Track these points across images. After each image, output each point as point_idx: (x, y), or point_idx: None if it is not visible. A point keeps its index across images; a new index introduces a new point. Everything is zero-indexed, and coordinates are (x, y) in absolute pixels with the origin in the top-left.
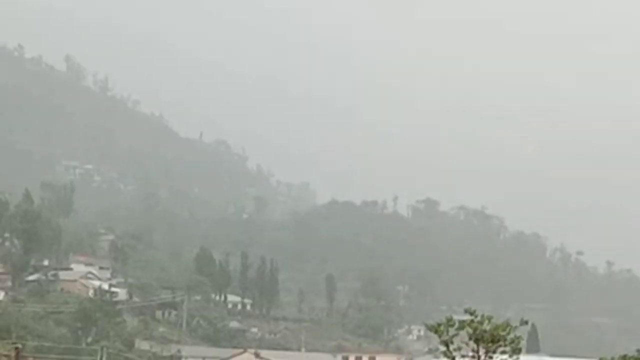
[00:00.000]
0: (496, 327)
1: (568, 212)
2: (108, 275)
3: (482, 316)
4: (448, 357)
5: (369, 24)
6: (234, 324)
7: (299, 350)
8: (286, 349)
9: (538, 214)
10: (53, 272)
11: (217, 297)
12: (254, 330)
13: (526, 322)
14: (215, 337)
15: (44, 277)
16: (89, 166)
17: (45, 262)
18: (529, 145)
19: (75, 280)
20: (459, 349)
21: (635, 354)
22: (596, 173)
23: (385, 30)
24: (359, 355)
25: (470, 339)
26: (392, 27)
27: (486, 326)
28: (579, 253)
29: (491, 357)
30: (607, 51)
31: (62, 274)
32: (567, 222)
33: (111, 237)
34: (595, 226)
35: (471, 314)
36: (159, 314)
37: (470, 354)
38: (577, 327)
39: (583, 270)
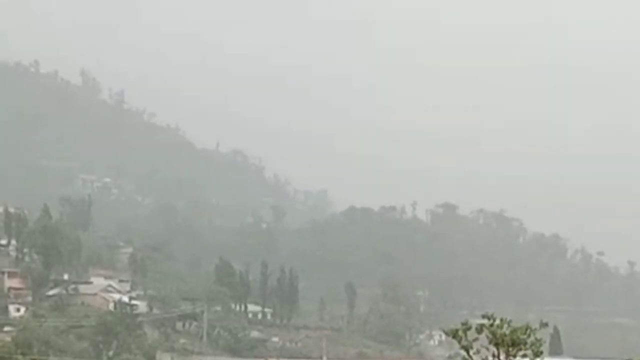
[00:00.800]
0: (515, 330)
1: (588, 213)
2: (128, 287)
3: (501, 320)
4: None
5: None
6: (254, 334)
7: (320, 358)
8: (308, 358)
9: (558, 216)
10: (73, 286)
11: (238, 307)
12: (275, 339)
13: (546, 324)
14: (237, 347)
15: (64, 292)
16: (107, 179)
17: (65, 277)
18: (547, 148)
19: (95, 294)
20: (478, 352)
21: None
22: (617, 171)
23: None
24: None
25: (490, 343)
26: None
27: (505, 330)
28: (600, 254)
29: None
30: None
31: (82, 288)
32: (588, 222)
33: (130, 249)
34: (616, 226)
35: (488, 318)
36: (179, 325)
37: (491, 358)
38: (599, 328)
39: (604, 271)
